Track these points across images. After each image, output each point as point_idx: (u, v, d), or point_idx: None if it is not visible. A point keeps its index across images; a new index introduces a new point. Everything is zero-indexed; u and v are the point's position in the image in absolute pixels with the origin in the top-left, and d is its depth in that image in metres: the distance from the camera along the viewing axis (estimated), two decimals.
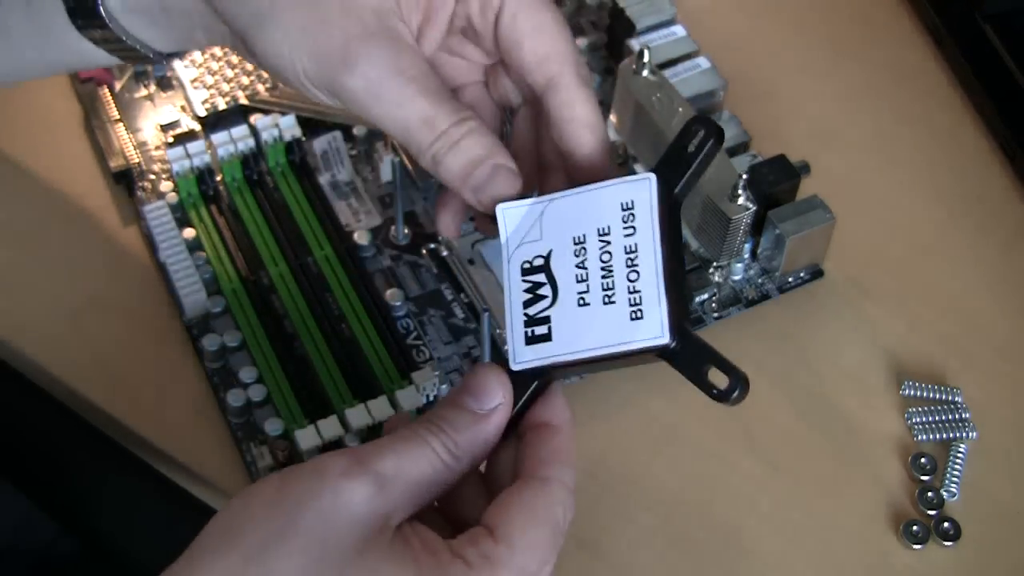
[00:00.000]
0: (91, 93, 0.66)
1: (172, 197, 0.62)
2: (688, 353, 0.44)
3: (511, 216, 0.46)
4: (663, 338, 0.43)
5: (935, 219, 0.64)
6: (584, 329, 0.44)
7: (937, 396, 0.58)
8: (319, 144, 0.63)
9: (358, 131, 0.64)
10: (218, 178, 0.63)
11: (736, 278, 0.61)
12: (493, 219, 0.47)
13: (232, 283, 0.60)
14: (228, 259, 0.60)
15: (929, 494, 0.55)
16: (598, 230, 0.45)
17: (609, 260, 0.45)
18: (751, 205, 0.57)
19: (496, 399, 0.44)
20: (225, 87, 0.65)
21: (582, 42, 0.68)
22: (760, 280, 0.61)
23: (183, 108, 0.66)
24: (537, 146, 0.51)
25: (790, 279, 0.61)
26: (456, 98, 0.48)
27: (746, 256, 0.60)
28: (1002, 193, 0.65)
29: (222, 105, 0.65)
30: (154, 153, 0.64)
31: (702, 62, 0.64)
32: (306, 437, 0.54)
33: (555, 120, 0.48)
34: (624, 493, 0.55)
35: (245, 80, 0.66)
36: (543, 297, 0.45)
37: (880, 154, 0.67)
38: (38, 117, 0.66)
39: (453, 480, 0.43)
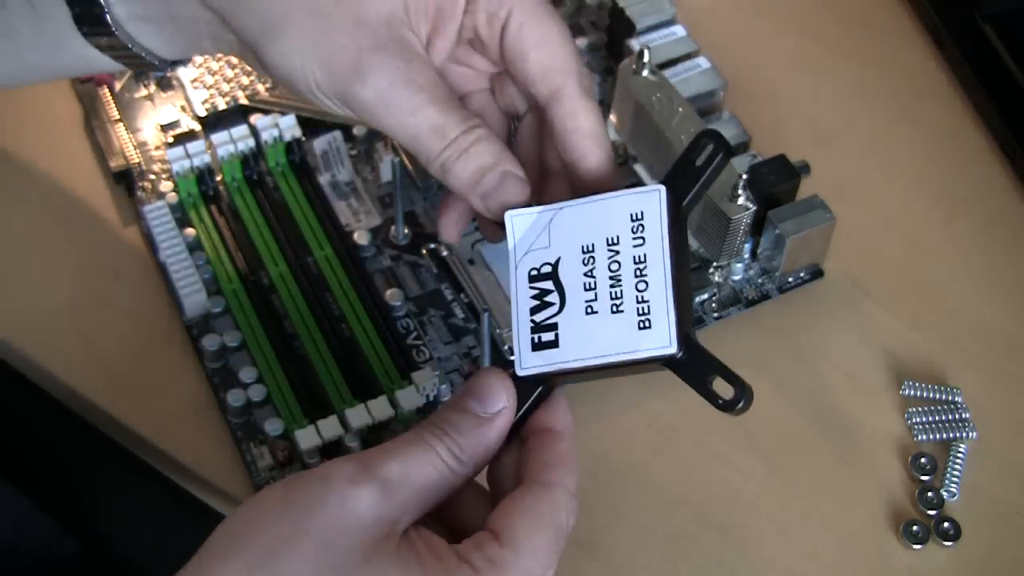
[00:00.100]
0: (91, 93, 0.66)
1: (172, 197, 0.62)
2: (693, 363, 0.44)
3: (519, 223, 0.47)
4: (670, 348, 0.44)
5: (935, 219, 0.64)
6: (591, 337, 0.45)
7: (937, 396, 0.58)
8: (319, 144, 0.63)
9: (358, 131, 0.65)
10: (218, 178, 0.63)
11: (736, 278, 0.61)
12: (500, 225, 0.47)
13: (232, 283, 0.60)
14: (228, 259, 0.60)
15: (929, 494, 0.55)
16: (607, 239, 0.45)
17: (618, 269, 0.45)
18: (751, 205, 0.57)
19: (500, 403, 0.44)
20: (225, 87, 0.65)
21: (582, 42, 0.68)
22: (760, 280, 0.61)
23: (183, 108, 0.66)
24: (540, 153, 0.51)
25: (790, 279, 0.61)
26: (464, 106, 0.49)
27: (746, 256, 0.60)
28: (1002, 193, 0.65)
29: (222, 105, 0.65)
30: (154, 153, 0.64)
31: (702, 62, 0.64)
32: (306, 437, 0.54)
33: (559, 131, 0.49)
34: (624, 493, 0.55)
35: (245, 80, 0.66)
36: (550, 304, 0.45)
37: (880, 154, 0.67)
38: (38, 117, 0.66)
39: (457, 484, 0.43)
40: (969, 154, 0.67)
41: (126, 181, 0.64)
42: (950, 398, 0.58)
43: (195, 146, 0.62)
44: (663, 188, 0.45)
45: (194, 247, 0.60)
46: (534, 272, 0.46)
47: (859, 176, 0.65)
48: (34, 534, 0.60)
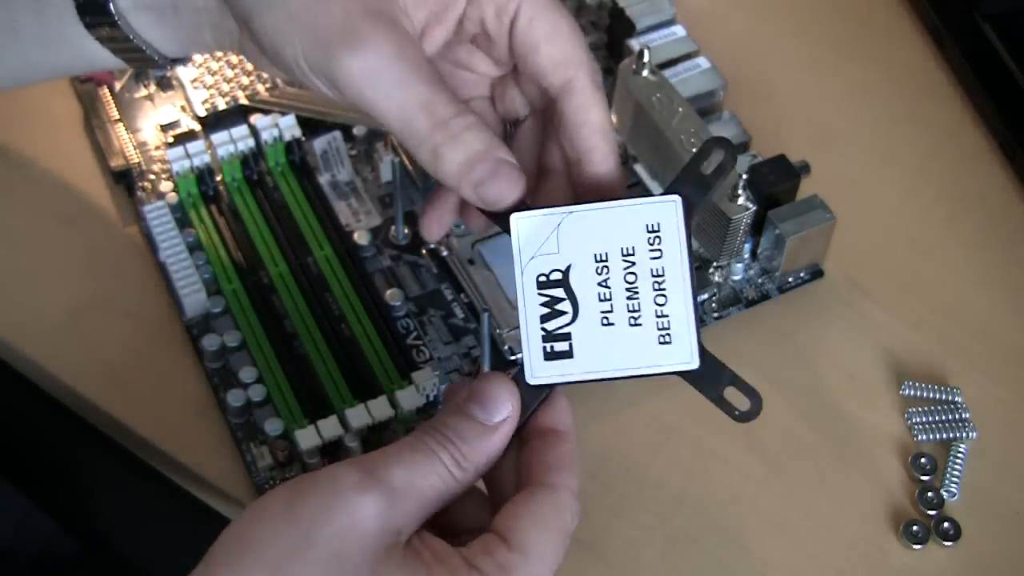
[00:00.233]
0: (91, 93, 0.66)
1: (172, 197, 0.62)
2: (709, 374, 0.45)
3: (524, 226, 0.45)
4: (692, 364, 0.44)
5: (935, 219, 0.64)
6: (609, 350, 0.45)
7: (937, 396, 0.58)
8: (319, 144, 0.63)
9: (358, 131, 0.64)
10: (218, 178, 0.63)
11: (736, 278, 0.61)
12: (494, 218, 0.46)
13: (232, 283, 0.60)
14: (228, 259, 0.60)
15: (929, 494, 0.55)
16: (622, 249, 0.45)
17: (635, 282, 0.45)
18: (751, 205, 0.57)
19: (505, 412, 0.44)
20: (225, 87, 0.65)
21: None
22: (760, 280, 0.61)
23: (183, 108, 0.66)
24: (539, 156, 0.51)
25: (790, 279, 0.61)
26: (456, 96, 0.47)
27: (746, 256, 0.60)
28: (1002, 193, 0.65)
29: (222, 105, 0.65)
30: (154, 153, 0.64)
31: (702, 62, 0.64)
32: (306, 437, 0.54)
33: (569, 124, 0.48)
34: (624, 493, 0.55)
35: (245, 80, 0.66)
36: (562, 313, 0.45)
37: (880, 154, 0.67)
38: (38, 117, 0.66)
39: (459, 492, 0.43)
40: (969, 154, 0.67)
41: (126, 181, 0.64)
42: (950, 398, 0.58)
43: (195, 146, 0.62)
44: (679, 199, 0.45)
45: (194, 247, 0.60)
46: (542, 278, 0.45)
47: (859, 176, 0.65)
48: (34, 534, 0.60)
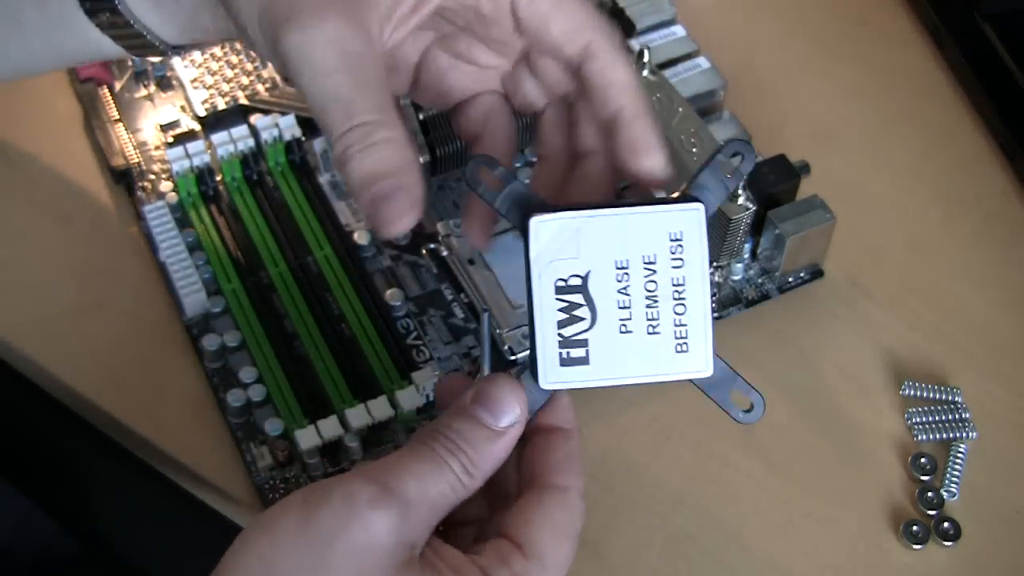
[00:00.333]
0: (91, 93, 0.66)
1: (172, 197, 0.62)
2: (718, 378, 0.45)
3: (544, 229, 0.44)
4: (707, 371, 0.45)
5: (935, 219, 0.64)
6: (625, 356, 0.44)
7: (937, 396, 0.58)
8: (319, 144, 0.63)
9: None
10: (218, 178, 0.63)
11: (736, 278, 0.61)
12: (512, 220, 0.45)
13: (232, 283, 0.60)
14: (228, 259, 0.60)
15: (929, 494, 0.55)
16: (643, 257, 0.44)
17: (655, 290, 0.44)
18: (751, 205, 0.57)
19: (513, 416, 0.44)
20: (225, 87, 0.65)
21: None
22: (760, 280, 0.61)
23: (183, 108, 0.66)
24: (569, 141, 0.50)
25: (790, 279, 0.61)
26: (394, 106, 0.44)
27: (746, 256, 0.60)
28: (1002, 193, 0.65)
29: (222, 105, 0.65)
30: (154, 153, 0.64)
31: (702, 62, 0.64)
32: (306, 437, 0.54)
33: (595, 88, 0.47)
34: (624, 493, 0.55)
35: (245, 80, 0.66)
36: (580, 319, 0.44)
37: (880, 154, 0.67)
38: (38, 117, 0.66)
39: (466, 497, 0.43)
40: (969, 154, 0.67)
41: (126, 181, 0.64)
42: (950, 398, 0.58)
43: (195, 146, 0.62)
44: (702, 207, 0.44)
45: (194, 247, 0.60)
46: (561, 283, 0.44)
47: (859, 176, 0.65)
48: (34, 534, 0.60)
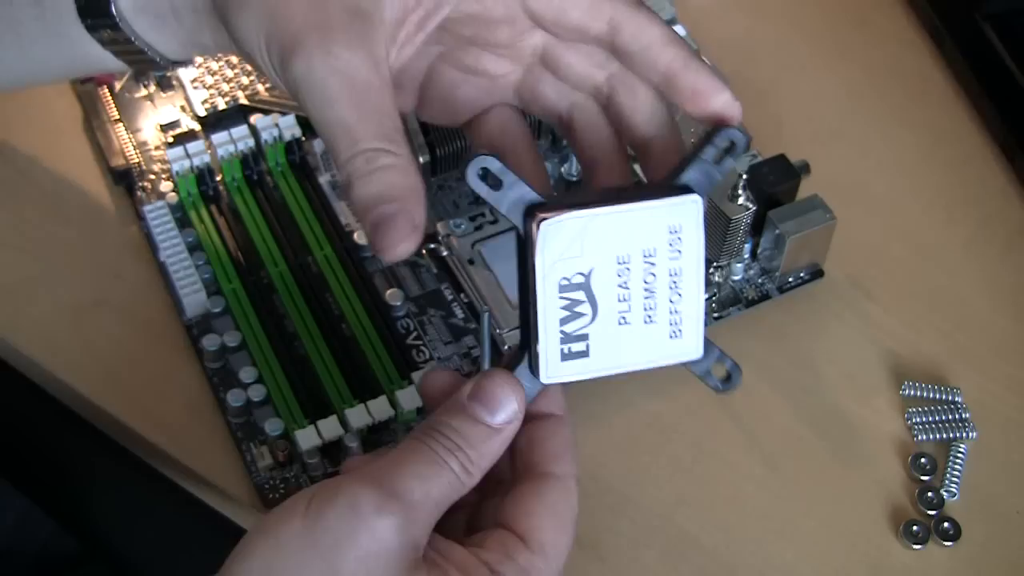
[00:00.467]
0: (91, 93, 0.66)
1: (172, 197, 0.62)
2: (703, 356, 0.46)
3: (551, 231, 0.44)
4: (697, 353, 0.46)
5: (935, 219, 0.64)
6: (622, 346, 0.45)
7: (937, 396, 0.58)
8: (319, 144, 0.63)
9: None
10: (218, 178, 0.63)
11: (736, 278, 0.61)
12: (516, 218, 0.45)
13: (232, 283, 0.60)
14: (228, 259, 0.60)
15: (929, 494, 0.55)
16: (643, 252, 0.45)
17: (652, 282, 0.45)
18: (751, 205, 0.57)
19: (511, 412, 0.44)
20: (225, 87, 0.65)
21: None
22: (760, 280, 0.61)
23: (183, 108, 0.66)
24: (617, 140, 0.49)
25: (790, 279, 0.61)
26: (401, 129, 0.44)
27: (746, 256, 0.60)
28: (1002, 193, 0.65)
29: (222, 105, 0.65)
30: (154, 153, 0.64)
31: None
32: (306, 437, 0.54)
33: (636, 53, 0.46)
34: (624, 493, 0.55)
35: (245, 80, 0.66)
36: (581, 315, 0.45)
37: (880, 154, 0.67)
38: (38, 117, 0.66)
39: (464, 493, 0.43)
40: (969, 154, 0.67)
41: (126, 181, 0.64)
42: (950, 398, 0.58)
43: (195, 146, 0.62)
44: (700, 199, 0.45)
45: (194, 247, 0.60)
46: (564, 281, 0.44)
47: (859, 176, 0.65)
48: (33, 534, 0.60)
